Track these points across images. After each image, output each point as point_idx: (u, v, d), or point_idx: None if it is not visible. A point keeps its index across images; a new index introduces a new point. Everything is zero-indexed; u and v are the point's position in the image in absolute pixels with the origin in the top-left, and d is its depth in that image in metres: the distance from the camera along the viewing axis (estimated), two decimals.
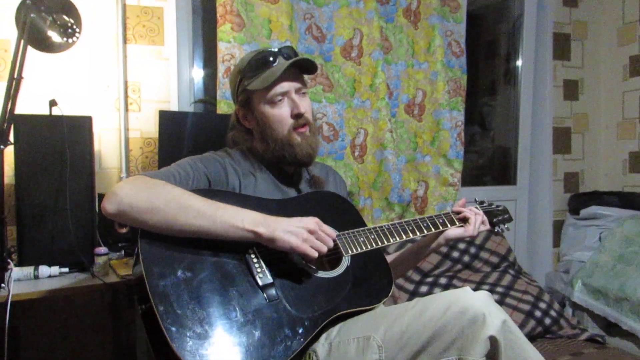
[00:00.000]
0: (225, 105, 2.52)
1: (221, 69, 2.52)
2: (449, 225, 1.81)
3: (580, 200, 3.66)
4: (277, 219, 1.43)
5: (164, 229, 1.35)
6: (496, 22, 3.90)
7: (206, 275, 1.35)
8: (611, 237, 3.25)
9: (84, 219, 2.10)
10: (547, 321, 2.70)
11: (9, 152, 1.92)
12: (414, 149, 3.11)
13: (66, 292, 1.91)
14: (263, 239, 1.40)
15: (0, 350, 1.82)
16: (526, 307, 2.69)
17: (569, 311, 3.22)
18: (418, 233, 1.73)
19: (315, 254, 1.42)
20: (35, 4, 1.97)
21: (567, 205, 3.76)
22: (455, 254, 2.92)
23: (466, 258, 2.94)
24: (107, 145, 2.55)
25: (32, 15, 1.94)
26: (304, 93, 1.71)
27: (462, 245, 2.95)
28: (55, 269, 2.02)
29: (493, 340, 1.29)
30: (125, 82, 2.57)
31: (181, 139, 2.36)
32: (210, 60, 2.84)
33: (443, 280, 2.80)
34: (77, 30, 2.10)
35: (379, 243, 1.63)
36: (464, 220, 1.83)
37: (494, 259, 2.99)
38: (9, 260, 1.90)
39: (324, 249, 1.44)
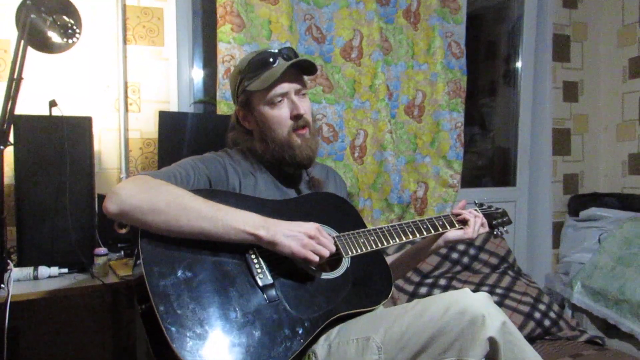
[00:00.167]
0: (225, 106, 2.53)
1: (221, 69, 2.52)
2: (448, 227, 1.81)
3: (579, 202, 3.67)
4: (278, 222, 1.43)
5: (165, 229, 1.35)
6: (496, 23, 3.90)
7: (206, 276, 1.35)
8: (611, 238, 3.25)
9: (83, 219, 2.10)
10: (547, 323, 2.70)
11: (9, 152, 1.92)
12: (414, 150, 3.11)
13: (66, 293, 1.91)
14: (263, 242, 1.40)
15: (0, 351, 1.82)
16: (525, 308, 2.69)
17: (568, 313, 3.22)
18: (418, 235, 1.73)
19: (317, 259, 1.42)
20: (35, 5, 1.97)
21: (566, 206, 3.76)
22: (455, 256, 2.92)
23: (465, 259, 2.94)
24: (106, 145, 2.55)
25: (32, 15, 1.94)
26: (304, 94, 1.72)
27: (461, 247, 2.95)
28: (54, 270, 2.01)
29: (492, 342, 1.29)
30: (125, 83, 2.57)
31: (181, 139, 2.36)
32: (210, 61, 2.85)
33: (442, 282, 2.80)
34: (77, 30, 2.10)
35: (379, 244, 1.63)
36: (464, 223, 1.83)
37: (494, 261, 2.99)
38: (8, 261, 1.90)
39: (325, 254, 1.44)
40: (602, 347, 2.68)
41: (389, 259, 1.92)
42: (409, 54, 3.07)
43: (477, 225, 1.82)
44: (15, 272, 1.92)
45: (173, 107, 2.66)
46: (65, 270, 2.06)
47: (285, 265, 1.47)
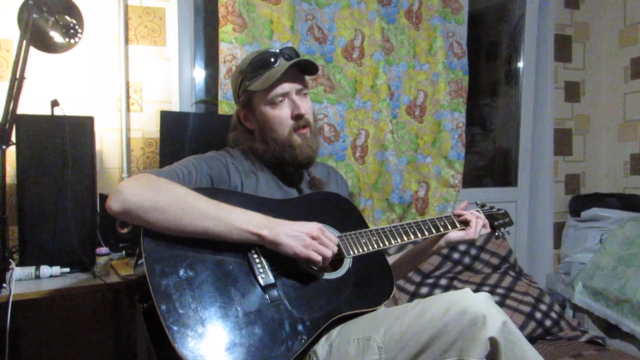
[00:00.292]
0: (226, 106, 2.53)
1: (223, 69, 2.52)
2: (450, 228, 1.81)
3: (581, 202, 3.66)
4: (281, 222, 1.43)
5: (168, 228, 1.36)
6: (498, 23, 3.90)
7: (208, 275, 1.35)
8: (612, 239, 3.25)
9: (85, 219, 2.10)
10: (548, 323, 2.70)
11: (11, 152, 1.92)
12: (415, 150, 3.11)
13: (67, 292, 1.91)
14: (266, 241, 1.41)
15: (2, 350, 1.82)
16: (526, 308, 2.69)
17: (569, 313, 3.22)
18: (419, 235, 1.73)
19: (319, 259, 1.42)
20: (37, 5, 1.97)
21: (568, 207, 3.75)
22: (456, 256, 2.92)
23: (467, 259, 2.94)
24: (108, 145, 2.56)
25: (34, 15, 1.95)
26: (305, 94, 1.72)
27: (462, 247, 2.95)
28: (56, 269, 2.02)
29: (493, 342, 1.29)
30: (127, 83, 2.58)
31: (182, 139, 2.37)
32: (211, 61, 2.85)
33: (443, 282, 2.80)
34: (79, 30, 2.10)
35: (381, 245, 1.63)
36: (465, 224, 1.83)
37: (495, 261, 2.99)
38: (10, 260, 1.91)
39: (328, 254, 1.44)
40: (603, 347, 2.68)
41: (390, 259, 1.92)
42: (411, 54, 3.07)
43: (478, 226, 1.82)
44: (17, 272, 1.93)
45: (175, 107, 2.66)
46: (67, 269, 2.06)
47: (287, 265, 1.47)
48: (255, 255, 1.45)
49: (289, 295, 1.43)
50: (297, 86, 1.69)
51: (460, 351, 1.30)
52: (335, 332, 1.48)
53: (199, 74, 2.91)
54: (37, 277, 1.98)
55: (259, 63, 1.67)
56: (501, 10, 3.84)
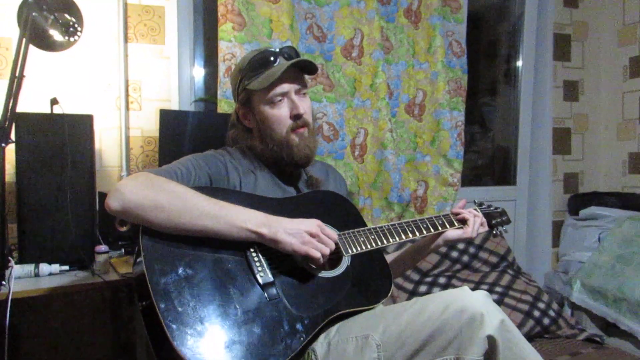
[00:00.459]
0: (225, 105, 2.53)
1: (222, 68, 2.52)
2: (448, 226, 1.82)
3: (579, 201, 3.67)
4: (280, 220, 1.44)
5: (167, 227, 1.36)
6: (497, 22, 3.90)
7: (207, 273, 1.35)
8: (610, 237, 3.25)
9: (84, 217, 2.10)
10: (546, 321, 2.71)
11: (10, 150, 1.92)
12: (414, 148, 3.12)
13: (66, 290, 1.92)
14: (265, 239, 1.41)
15: (1, 348, 1.83)
16: (525, 307, 2.70)
17: (567, 311, 3.23)
18: (417, 234, 1.74)
19: (318, 255, 1.43)
20: (37, 3, 1.97)
21: (566, 205, 3.76)
22: (455, 254, 2.93)
23: (465, 258, 2.95)
24: (107, 143, 2.56)
25: (33, 13, 1.95)
26: (304, 94, 1.72)
27: (461, 245, 2.96)
28: (55, 267, 2.03)
29: (491, 340, 1.30)
30: (126, 81, 2.58)
31: (182, 137, 2.37)
32: (211, 59, 2.85)
33: (442, 280, 2.81)
34: (79, 29, 2.11)
35: (379, 243, 1.63)
36: (463, 222, 1.84)
37: (493, 259, 3.00)
38: (9, 258, 1.91)
39: (327, 252, 1.45)
40: (601, 345, 2.70)
41: (389, 257, 1.93)
42: (410, 52, 3.08)
43: (476, 224, 1.83)
44: (17, 269, 1.93)
45: (174, 106, 2.66)
46: (66, 267, 2.06)
47: (286, 263, 1.48)
48: (254, 254, 1.45)
49: (288, 293, 1.43)
50: (296, 86, 1.69)
51: (458, 349, 1.30)
52: (333, 330, 1.48)
53: (198, 72, 2.91)
54: (37, 274, 1.98)
55: (259, 62, 1.68)
56: (500, 9, 3.84)
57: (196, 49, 2.85)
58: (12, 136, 1.89)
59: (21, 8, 2.00)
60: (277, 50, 1.71)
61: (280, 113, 1.67)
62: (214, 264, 1.39)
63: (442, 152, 3.13)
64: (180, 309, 1.26)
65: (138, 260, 1.36)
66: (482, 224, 1.86)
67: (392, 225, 1.70)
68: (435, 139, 3.13)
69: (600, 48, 3.89)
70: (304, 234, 1.42)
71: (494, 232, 1.96)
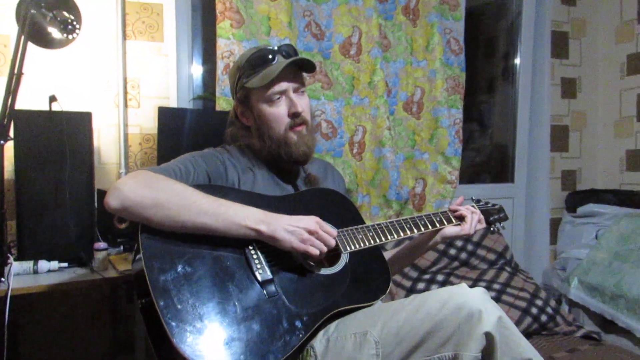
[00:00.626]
0: (224, 102, 2.53)
1: (220, 65, 2.52)
2: (445, 223, 1.82)
3: (577, 198, 3.68)
4: (279, 217, 1.44)
5: (166, 224, 1.37)
6: (495, 20, 3.90)
7: (206, 271, 1.36)
8: (608, 234, 3.27)
9: (83, 214, 2.11)
10: (544, 318, 2.71)
11: (9, 147, 1.92)
12: (412, 146, 3.12)
13: (65, 287, 1.93)
14: (264, 237, 1.42)
15: (0, 344, 1.83)
16: (522, 304, 2.71)
17: (565, 308, 3.24)
18: (415, 231, 1.75)
19: (317, 253, 1.43)
20: (35, 0, 1.97)
21: (564, 203, 3.77)
22: (453, 251, 2.94)
23: (463, 255, 2.95)
24: (106, 141, 2.56)
25: (32, 11, 1.95)
26: (302, 92, 1.72)
27: (459, 243, 2.97)
28: (54, 264, 2.03)
29: (489, 336, 1.30)
30: (125, 78, 2.58)
31: (180, 135, 2.37)
32: (209, 57, 2.85)
33: (440, 277, 2.81)
34: (77, 26, 2.10)
35: (377, 240, 1.64)
36: (461, 219, 1.84)
37: (491, 256, 3.01)
38: (8, 255, 1.91)
39: (325, 249, 1.46)
40: (598, 342, 2.70)
41: (387, 255, 1.93)
42: (408, 50, 3.08)
43: (474, 221, 1.83)
44: (15, 266, 1.93)
45: (172, 103, 2.67)
46: (65, 264, 2.06)
47: (284, 260, 1.48)
48: (252, 251, 1.45)
49: (287, 290, 1.43)
50: (295, 84, 1.69)
51: (456, 346, 1.31)
52: (332, 327, 1.49)
53: (197, 70, 2.91)
54: (35, 271, 1.99)
55: (257, 60, 1.68)
56: (498, 6, 3.85)
57: (194, 47, 2.85)
58: (11, 133, 1.89)
59: (20, 5, 2.00)
60: (276, 48, 1.71)
61: (279, 111, 1.67)
62: (213, 262, 1.39)
63: (440, 150, 3.14)
64: (179, 306, 1.26)
65: (137, 257, 1.37)
66: (479, 221, 1.87)
67: (390, 222, 1.71)
68: (434, 137, 3.13)
69: (597, 45, 3.90)
70: (302, 232, 1.43)
71: (492, 229, 1.97)
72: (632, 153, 3.72)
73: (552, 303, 2.83)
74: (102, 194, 1.41)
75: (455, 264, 2.93)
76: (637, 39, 3.67)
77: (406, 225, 1.73)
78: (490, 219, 1.96)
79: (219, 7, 2.52)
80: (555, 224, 3.76)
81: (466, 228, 1.81)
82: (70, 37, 2.10)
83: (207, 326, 1.27)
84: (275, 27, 2.64)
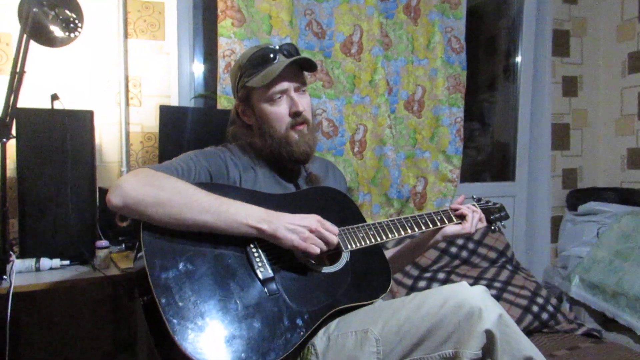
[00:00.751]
0: (225, 101, 2.54)
1: (221, 64, 2.53)
2: (446, 222, 1.83)
3: (578, 196, 3.68)
4: (280, 216, 1.44)
5: (168, 222, 1.37)
6: (496, 18, 3.90)
7: (207, 268, 1.36)
8: (609, 232, 3.26)
9: (85, 212, 2.11)
10: (545, 316, 2.72)
11: (11, 145, 1.93)
12: (413, 145, 3.12)
13: (67, 285, 1.93)
14: (265, 235, 1.42)
15: (2, 341, 1.84)
16: (523, 302, 2.71)
17: (566, 306, 3.24)
18: (416, 229, 1.75)
19: (317, 251, 1.44)
20: None
21: (565, 201, 3.77)
22: (454, 250, 2.94)
23: (464, 253, 2.95)
24: (108, 139, 2.57)
25: (34, 9, 1.95)
26: (303, 91, 1.73)
27: (460, 241, 2.97)
28: (56, 262, 2.03)
29: (489, 334, 1.31)
30: (126, 77, 2.58)
31: (181, 133, 2.37)
32: (210, 55, 2.86)
33: (441, 276, 2.82)
34: (79, 24, 2.11)
35: (378, 239, 1.65)
36: (462, 218, 1.85)
37: (492, 255, 3.01)
38: (11, 252, 1.92)
39: (325, 248, 1.46)
40: (599, 339, 2.71)
41: (388, 253, 1.94)
42: (409, 49, 3.08)
43: (475, 220, 1.84)
44: (18, 264, 1.94)
45: (174, 102, 2.67)
46: (67, 262, 2.07)
47: (285, 258, 1.49)
48: (254, 249, 1.46)
49: (288, 288, 1.44)
50: (296, 83, 1.69)
51: (457, 343, 1.32)
52: (333, 324, 1.49)
53: (198, 68, 2.91)
54: (37, 269, 1.99)
55: (258, 59, 1.68)
56: (499, 5, 3.85)
57: (196, 45, 2.85)
58: (13, 131, 1.90)
59: (22, 4, 2.00)
60: (277, 47, 1.71)
61: (280, 110, 1.68)
62: (215, 260, 1.40)
63: (441, 148, 3.14)
64: (181, 304, 1.27)
65: (139, 255, 1.37)
66: (480, 220, 1.87)
67: (391, 221, 1.71)
68: (435, 135, 3.14)
69: (599, 44, 3.90)
70: (304, 230, 1.43)
71: (493, 227, 1.97)
72: (633, 151, 3.72)
73: (553, 301, 2.83)
74: (104, 192, 1.41)
75: (457, 262, 2.93)
76: (638, 38, 3.67)
77: (407, 224, 1.74)
78: (491, 217, 1.96)
79: (220, 5, 2.52)
80: (556, 222, 3.76)
81: (467, 227, 1.82)
82: (72, 35, 2.10)
83: (208, 324, 1.27)
84: (277, 26, 2.65)
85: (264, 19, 2.63)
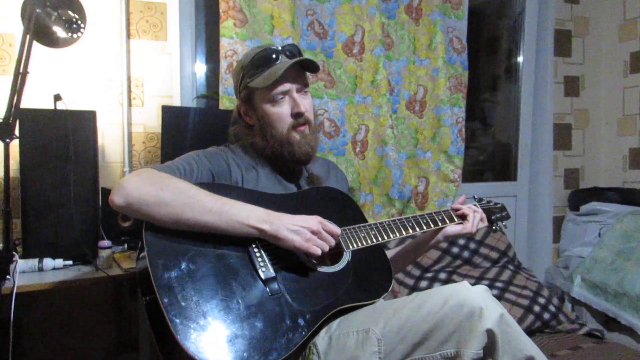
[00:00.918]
0: (227, 101, 2.54)
1: (224, 64, 2.53)
2: (447, 222, 1.83)
3: (580, 196, 3.68)
4: (282, 216, 1.45)
5: (170, 222, 1.37)
6: (497, 18, 3.90)
7: (210, 268, 1.37)
8: (610, 232, 3.27)
9: (87, 212, 2.11)
10: (546, 316, 2.72)
11: (15, 145, 1.93)
12: (415, 145, 3.13)
13: (70, 285, 1.93)
14: (267, 236, 1.42)
15: (5, 341, 1.84)
16: (525, 302, 2.71)
17: (568, 306, 3.24)
18: (417, 229, 1.75)
19: (319, 252, 1.44)
20: None
21: (567, 201, 3.77)
22: (455, 250, 2.94)
23: (466, 253, 2.96)
24: (110, 139, 2.57)
25: (37, 10, 1.95)
26: (305, 92, 1.73)
27: (461, 241, 2.97)
28: (59, 262, 2.04)
29: (490, 333, 1.31)
30: (129, 77, 2.59)
31: (183, 133, 2.38)
32: (212, 56, 2.86)
33: (443, 276, 2.82)
34: (82, 25, 2.11)
35: (379, 239, 1.65)
36: (463, 218, 1.85)
37: (494, 255, 3.01)
38: (14, 253, 1.92)
39: (327, 248, 1.46)
40: (601, 340, 2.71)
41: (390, 253, 1.94)
42: (411, 49, 3.08)
43: (476, 220, 1.84)
44: (21, 264, 1.94)
45: (176, 102, 2.67)
46: (70, 262, 2.08)
47: (287, 258, 1.49)
48: (255, 249, 1.46)
49: (290, 288, 1.44)
50: (298, 84, 1.70)
51: (458, 343, 1.32)
52: (334, 324, 1.49)
53: (200, 68, 2.92)
54: (40, 269, 2.00)
55: (261, 60, 1.68)
56: (501, 5, 3.85)
57: (198, 46, 2.86)
58: (16, 132, 1.90)
59: (25, 5, 2.01)
60: (279, 48, 1.71)
61: (282, 111, 1.68)
62: (217, 259, 1.40)
63: (442, 149, 3.14)
64: (183, 304, 1.27)
65: (141, 255, 1.37)
66: (481, 220, 1.87)
67: (392, 221, 1.72)
68: (436, 135, 3.14)
69: (600, 43, 3.90)
70: (305, 231, 1.44)
71: (494, 227, 1.98)
72: (635, 151, 3.72)
73: (555, 301, 2.83)
74: (107, 192, 1.42)
75: (458, 262, 2.94)
76: None
77: (408, 224, 1.74)
78: (492, 217, 1.96)
79: (222, 6, 2.52)
80: (558, 222, 3.76)
81: (468, 227, 1.82)
82: (74, 36, 2.11)
83: (210, 323, 1.27)
84: (279, 26, 2.65)
85: (266, 20, 2.63)
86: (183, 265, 1.34)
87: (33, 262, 1.99)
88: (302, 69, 1.73)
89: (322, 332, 1.48)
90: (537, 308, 2.71)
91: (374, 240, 1.64)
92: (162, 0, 2.64)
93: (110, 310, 2.62)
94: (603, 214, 3.46)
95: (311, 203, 1.69)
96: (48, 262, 2.01)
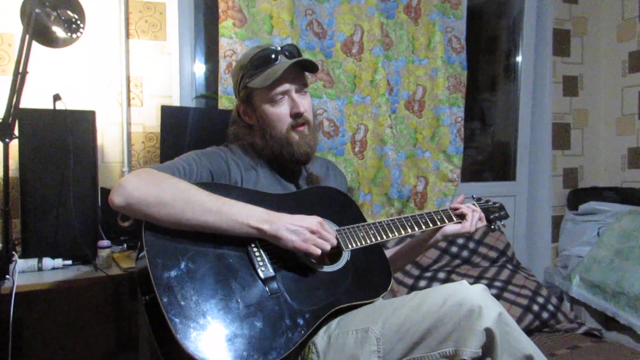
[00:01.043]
0: (226, 101, 2.54)
1: (223, 64, 2.53)
2: (446, 221, 1.83)
3: (579, 196, 3.68)
4: (281, 216, 1.45)
5: (170, 222, 1.38)
6: (496, 18, 3.91)
7: (209, 268, 1.37)
8: (609, 232, 3.27)
9: (87, 212, 2.11)
10: (545, 315, 2.72)
11: (14, 145, 1.93)
12: (414, 144, 3.13)
13: (69, 284, 1.93)
14: (266, 236, 1.43)
15: (5, 341, 1.84)
16: (524, 301, 2.72)
17: (566, 305, 3.25)
18: (416, 229, 1.76)
19: (318, 252, 1.44)
20: None
21: (566, 200, 3.78)
22: (454, 249, 2.95)
23: (465, 253, 2.96)
24: (109, 139, 2.57)
25: (37, 10, 1.95)
26: (305, 92, 1.74)
27: (460, 240, 2.97)
28: (58, 261, 2.04)
29: (489, 332, 1.31)
30: (128, 77, 2.59)
31: (183, 133, 2.38)
32: (212, 56, 2.86)
33: (442, 275, 2.82)
34: (81, 25, 2.11)
35: (378, 238, 1.65)
36: (462, 217, 1.85)
37: (493, 254, 3.01)
38: (13, 252, 1.92)
39: (327, 248, 1.47)
40: (600, 339, 2.71)
41: (389, 252, 1.94)
42: (410, 49, 3.09)
43: (474, 219, 1.84)
44: (20, 264, 1.94)
45: (175, 102, 2.67)
46: (69, 262, 2.08)
47: (286, 258, 1.49)
48: (255, 249, 1.46)
49: (289, 287, 1.45)
50: (297, 85, 1.70)
51: (457, 342, 1.32)
52: (334, 323, 1.50)
53: (200, 68, 2.92)
54: (40, 269, 2.00)
55: (260, 60, 1.68)
56: (500, 5, 3.85)
57: (197, 45, 2.86)
58: (16, 132, 1.90)
59: (24, 4, 2.01)
60: (279, 48, 1.72)
61: (281, 111, 1.69)
62: (216, 259, 1.40)
63: (441, 148, 3.14)
64: (183, 303, 1.27)
65: (141, 255, 1.38)
66: (480, 219, 1.87)
67: (391, 220, 1.72)
68: (435, 135, 3.14)
69: (599, 43, 3.90)
70: (304, 231, 1.44)
71: (493, 226, 1.98)
72: (633, 150, 3.73)
73: (554, 300, 2.84)
74: (106, 192, 1.42)
75: (457, 261, 2.94)
76: (638, 37, 3.67)
77: (407, 223, 1.74)
78: (491, 217, 1.97)
79: (221, 6, 2.52)
80: (556, 222, 3.77)
81: (467, 226, 1.82)
82: (74, 36, 2.11)
83: (210, 322, 1.28)
84: (278, 26, 2.65)
85: (265, 19, 2.63)
86: (182, 265, 1.34)
87: (32, 262, 1.99)
88: (301, 69, 1.73)
89: (322, 331, 1.49)
90: (535, 307, 2.72)
91: (373, 239, 1.64)
92: (161, 0, 2.64)
93: (109, 310, 2.62)
94: (602, 214, 3.46)
95: (310, 203, 1.69)
96: (47, 262, 2.01)
